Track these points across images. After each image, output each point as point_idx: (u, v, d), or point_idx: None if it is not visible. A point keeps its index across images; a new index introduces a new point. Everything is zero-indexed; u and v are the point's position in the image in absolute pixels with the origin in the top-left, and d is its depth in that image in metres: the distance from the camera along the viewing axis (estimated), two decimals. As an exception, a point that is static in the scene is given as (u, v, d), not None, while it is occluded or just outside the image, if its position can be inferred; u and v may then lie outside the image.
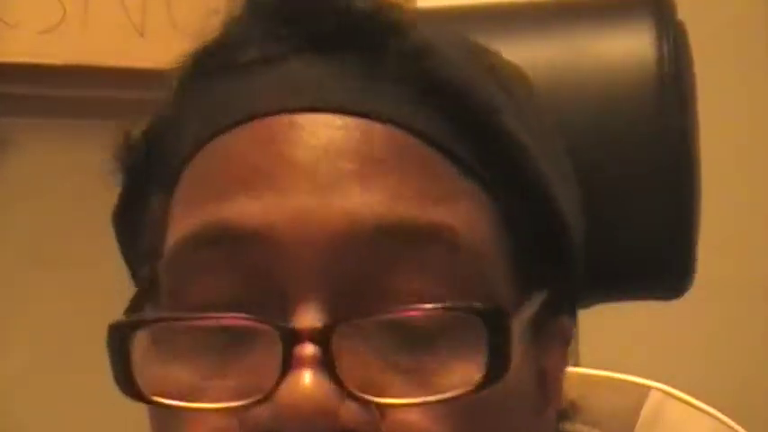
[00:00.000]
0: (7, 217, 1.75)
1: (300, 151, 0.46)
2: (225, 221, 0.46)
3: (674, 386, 0.71)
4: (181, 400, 0.45)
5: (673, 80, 0.63)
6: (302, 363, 0.42)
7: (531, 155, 0.50)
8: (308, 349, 0.43)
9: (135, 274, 0.56)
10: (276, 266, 0.45)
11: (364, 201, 0.45)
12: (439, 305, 0.45)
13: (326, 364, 0.43)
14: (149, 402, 0.45)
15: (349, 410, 0.43)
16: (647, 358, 0.91)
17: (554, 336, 0.53)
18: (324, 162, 0.46)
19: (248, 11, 0.51)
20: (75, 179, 1.75)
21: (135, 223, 0.53)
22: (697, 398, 0.71)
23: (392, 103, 0.48)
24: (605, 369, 0.64)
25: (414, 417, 0.44)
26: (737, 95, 1.54)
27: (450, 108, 0.48)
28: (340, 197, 0.45)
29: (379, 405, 0.44)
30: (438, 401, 0.44)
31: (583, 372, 0.68)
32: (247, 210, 0.45)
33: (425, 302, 0.45)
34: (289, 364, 0.43)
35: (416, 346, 0.45)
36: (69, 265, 1.74)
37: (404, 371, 0.45)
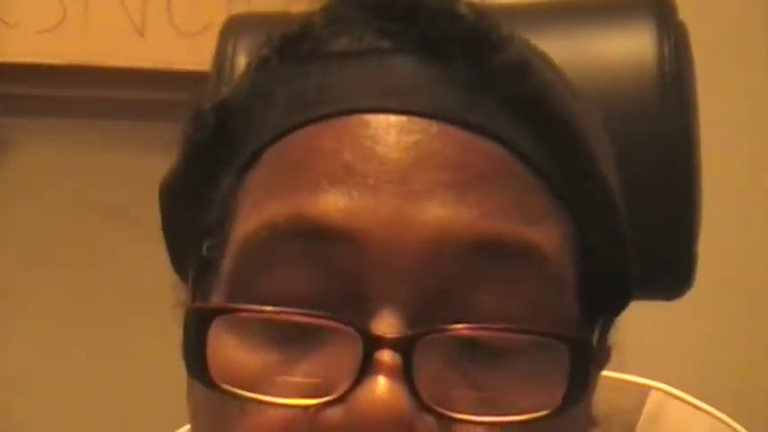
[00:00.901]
0: (7, 217, 1.75)
1: (395, 154, 0.45)
2: (310, 215, 0.44)
3: (674, 386, 0.71)
4: (245, 389, 0.43)
5: (674, 80, 0.63)
6: (381, 369, 0.41)
7: (610, 185, 0.50)
8: (389, 356, 0.42)
9: (181, 249, 0.54)
10: (360, 267, 0.44)
11: (458, 213, 0.44)
12: (529, 328, 0.44)
13: (406, 375, 0.42)
14: (221, 391, 0.44)
15: (425, 424, 0.42)
16: (647, 358, 0.91)
17: (598, 360, 0.51)
18: (418, 168, 0.45)
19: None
20: (75, 179, 1.75)
21: (194, 198, 0.51)
22: (697, 398, 0.71)
23: (494, 118, 0.47)
24: (606, 369, 0.64)
25: None
26: (738, 96, 1.54)
27: (547, 129, 0.47)
28: (434, 206, 0.44)
29: (450, 419, 0.43)
30: (510, 422, 0.43)
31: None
32: (335, 206, 0.44)
33: (506, 320, 0.44)
34: (367, 368, 0.42)
35: (491, 362, 0.44)
36: (69, 265, 1.74)
37: (476, 386, 0.44)
